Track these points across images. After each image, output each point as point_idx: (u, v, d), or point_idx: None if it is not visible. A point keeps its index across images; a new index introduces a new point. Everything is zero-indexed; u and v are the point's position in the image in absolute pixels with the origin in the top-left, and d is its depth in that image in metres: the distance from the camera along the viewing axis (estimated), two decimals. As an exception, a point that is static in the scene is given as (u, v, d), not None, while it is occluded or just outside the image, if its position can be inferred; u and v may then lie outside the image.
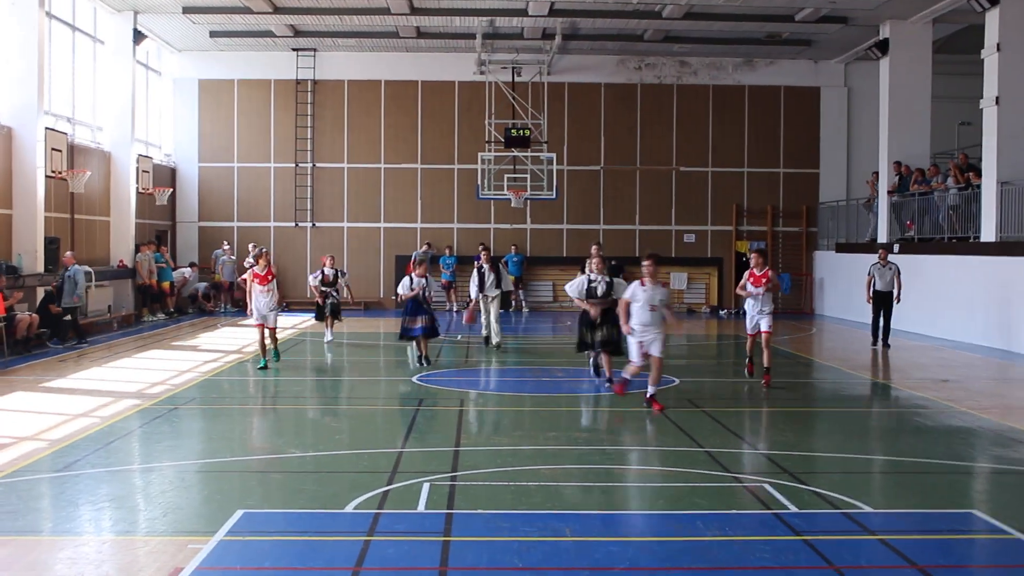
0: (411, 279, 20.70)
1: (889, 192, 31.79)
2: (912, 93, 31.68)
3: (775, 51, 36.39)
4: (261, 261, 20.15)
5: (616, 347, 17.19)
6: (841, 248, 35.13)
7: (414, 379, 18.82)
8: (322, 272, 25.01)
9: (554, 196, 35.20)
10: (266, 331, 20.18)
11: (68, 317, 23.95)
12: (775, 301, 19.22)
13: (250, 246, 18.62)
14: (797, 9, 30.60)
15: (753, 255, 18.17)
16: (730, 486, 10.98)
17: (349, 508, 9.85)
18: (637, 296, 15.29)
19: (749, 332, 18.07)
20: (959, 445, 13.84)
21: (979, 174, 26.78)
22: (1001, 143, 25.51)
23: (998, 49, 25.62)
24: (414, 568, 8.19)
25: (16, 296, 22.75)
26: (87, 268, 25.33)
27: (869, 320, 24.63)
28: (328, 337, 24.74)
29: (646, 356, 15.47)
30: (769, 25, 32.81)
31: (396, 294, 22.28)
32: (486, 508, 9.91)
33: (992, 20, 25.79)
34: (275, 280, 20.50)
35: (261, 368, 19.66)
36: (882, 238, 31.70)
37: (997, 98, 25.66)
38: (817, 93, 38.02)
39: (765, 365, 17.60)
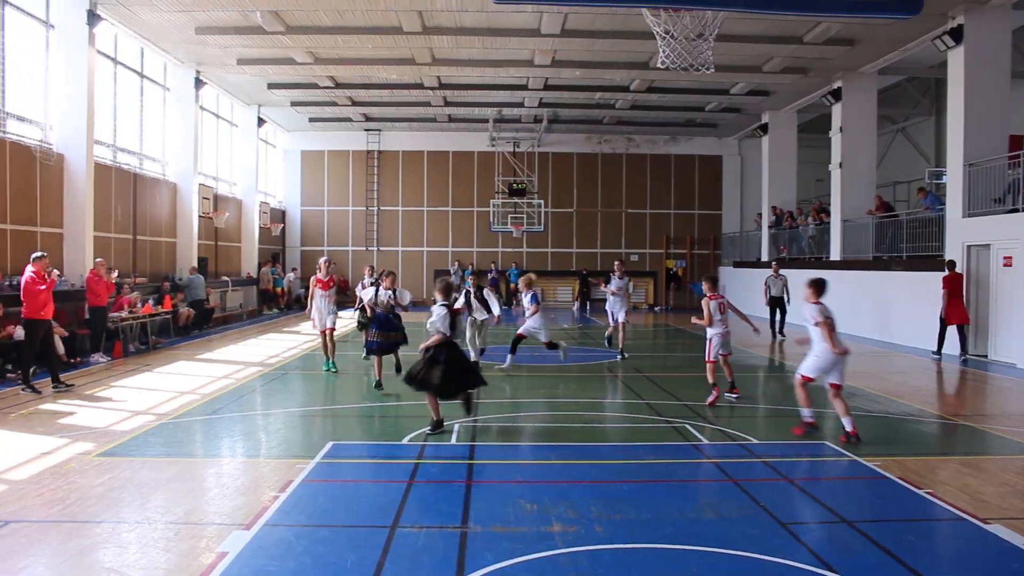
0: (375, 289, 13.94)
1: (769, 226, 31.85)
2: (784, 159, 31.76)
3: (692, 131, 36.35)
4: (324, 268, 16.05)
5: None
6: (737, 264, 35.16)
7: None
8: (376, 293, 13.90)
9: (541, 229, 35.48)
10: (327, 335, 15.61)
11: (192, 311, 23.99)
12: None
13: (321, 261, 16.41)
14: (707, 103, 30.73)
15: (705, 283, 12.75)
16: (661, 426, 11.03)
17: (405, 440, 9.91)
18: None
19: (720, 354, 12.54)
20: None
21: (828, 214, 26.87)
22: (843, 193, 25.61)
23: (841, 130, 25.70)
24: (450, 481, 8.24)
25: (179, 297, 22.83)
26: (201, 277, 25.11)
27: (759, 315, 24.37)
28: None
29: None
30: (688, 114, 32.87)
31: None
32: (497, 441, 9.97)
33: (836, 111, 25.85)
34: (335, 287, 16.16)
35: (327, 370, 15.47)
36: (764, 257, 31.75)
37: (840, 163, 25.74)
38: (720, 159, 37.97)
39: (730, 380, 12.92)
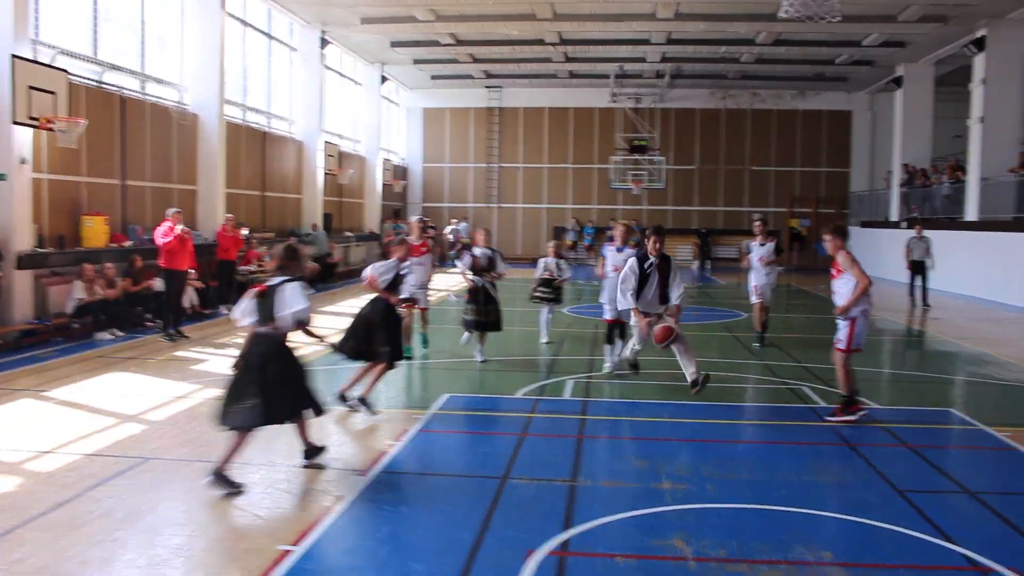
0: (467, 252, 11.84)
1: (900, 185, 30.52)
2: (919, 114, 30.31)
3: (820, 85, 35.02)
4: (416, 231, 12.86)
5: None
6: (865, 224, 33.89)
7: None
8: (472, 255, 11.96)
9: (663, 186, 34.97)
10: (415, 312, 12.33)
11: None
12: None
13: (413, 220, 13.76)
14: (836, 56, 29.53)
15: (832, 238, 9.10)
16: (778, 387, 10.84)
17: (519, 395, 10.03)
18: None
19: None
20: (943, 361, 13.37)
21: (964, 172, 25.54)
22: (984, 150, 24.29)
23: (984, 83, 24.31)
24: (561, 436, 8.32)
25: (306, 250, 23.57)
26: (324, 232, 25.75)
27: (898, 279, 23.18)
28: (479, 356, 11.95)
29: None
30: (816, 67, 31.72)
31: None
32: (610, 398, 9.98)
33: (979, 62, 24.42)
34: (431, 255, 12.98)
35: (407, 357, 11.04)
36: (894, 217, 30.51)
37: (982, 118, 24.39)
38: (849, 115, 36.51)
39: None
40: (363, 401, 8.88)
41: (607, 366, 11.32)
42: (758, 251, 14.22)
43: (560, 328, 15.18)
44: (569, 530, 5.75)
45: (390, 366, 9.07)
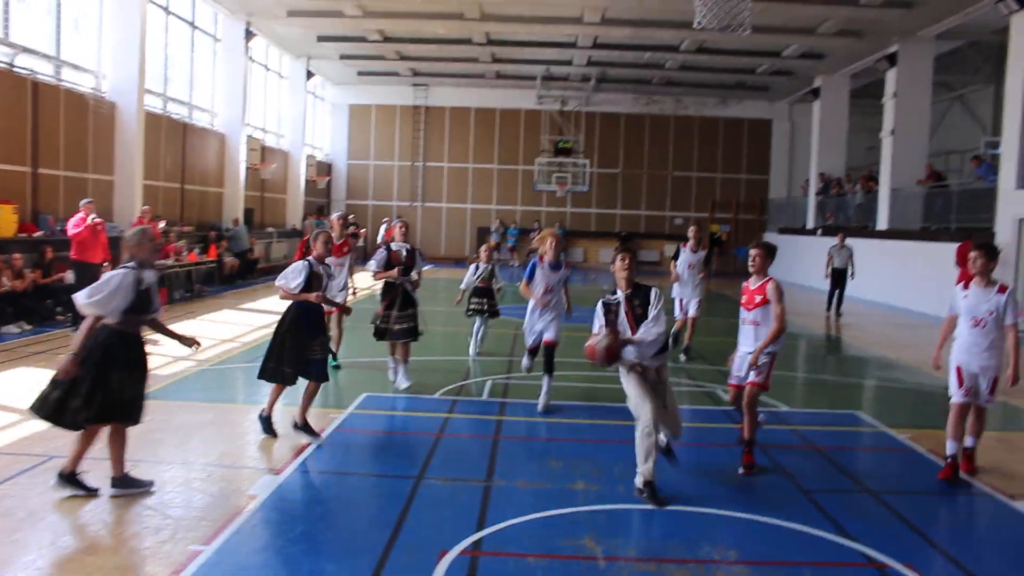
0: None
1: (816, 193, 31.39)
2: (834, 125, 31.20)
3: (742, 94, 35.83)
4: (337, 227, 11.47)
5: None
6: (783, 230, 34.72)
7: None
8: (388, 250, 10.28)
9: (586, 189, 35.30)
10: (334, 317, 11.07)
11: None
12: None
13: (333, 217, 12.16)
14: (758, 66, 30.27)
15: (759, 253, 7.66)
16: (693, 390, 11.06)
17: (437, 395, 10.04)
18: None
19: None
20: (851, 366, 13.81)
21: (877, 182, 26.40)
22: (894, 162, 25.14)
23: (895, 97, 25.16)
24: (478, 436, 8.37)
25: (224, 246, 23.18)
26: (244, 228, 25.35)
27: (804, 283, 23.87)
28: (402, 382, 10.24)
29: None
30: (738, 76, 32.45)
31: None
32: (526, 399, 10.05)
33: (891, 77, 25.29)
34: (352, 255, 11.59)
35: (335, 367, 11.08)
36: (810, 225, 31.37)
37: (893, 131, 25.24)
38: (770, 123, 37.43)
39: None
40: (303, 428, 7.83)
41: None
42: (689, 257, 13.05)
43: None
44: (482, 530, 5.80)
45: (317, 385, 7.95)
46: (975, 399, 7.39)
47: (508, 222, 36.98)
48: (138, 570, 5.05)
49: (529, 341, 9.56)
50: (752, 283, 7.58)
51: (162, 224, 18.94)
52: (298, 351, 7.74)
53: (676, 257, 13.20)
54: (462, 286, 12.84)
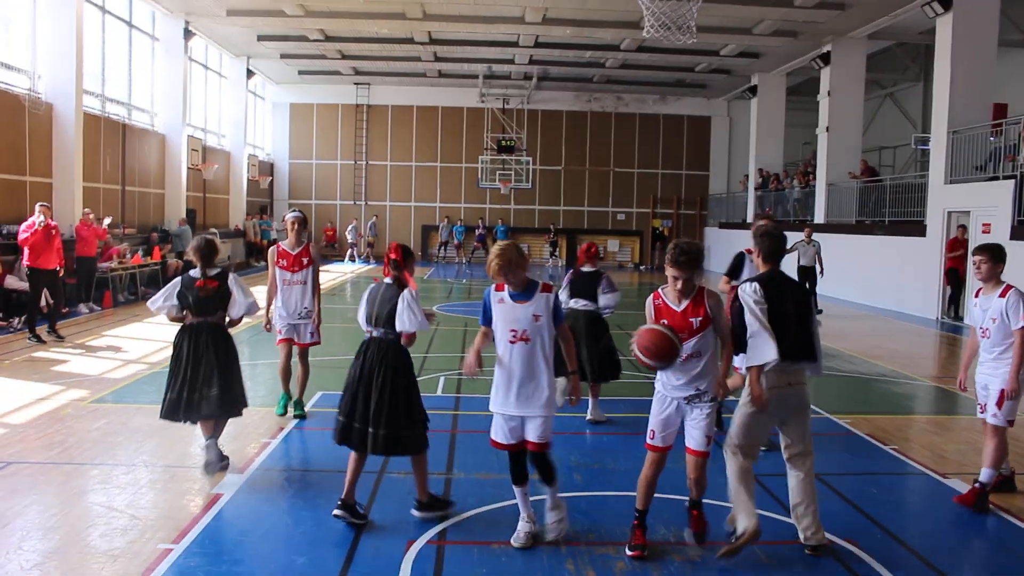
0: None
1: (755, 188, 32.09)
2: (772, 122, 31.97)
3: (681, 91, 36.47)
4: (291, 231, 8.64)
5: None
6: (723, 225, 35.48)
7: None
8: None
9: (530, 186, 35.60)
10: (294, 350, 8.88)
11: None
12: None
13: (287, 218, 8.77)
14: (696, 64, 30.82)
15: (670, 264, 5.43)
16: (640, 382, 11.34)
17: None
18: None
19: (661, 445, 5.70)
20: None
21: (814, 177, 27.13)
22: (829, 157, 25.87)
23: (829, 94, 25.88)
24: (435, 431, 8.49)
25: (167, 248, 22.96)
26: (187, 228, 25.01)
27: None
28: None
29: None
30: (677, 74, 32.99)
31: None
32: (481, 393, 10.23)
33: (825, 75, 26.01)
34: (315, 268, 8.82)
35: (281, 414, 8.82)
36: (749, 219, 32.03)
37: (827, 127, 25.96)
38: (709, 120, 38.11)
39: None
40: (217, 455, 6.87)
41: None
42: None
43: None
44: (446, 521, 5.99)
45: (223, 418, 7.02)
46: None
47: (455, 219, 37.11)
48: (110, 569, 5.13)
49: (496, 434, 5.75)
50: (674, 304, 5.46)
51: (107, 220, 18.71)
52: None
53: (735, 273, 8.19)
54: None
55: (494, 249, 5.52)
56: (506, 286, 5.58)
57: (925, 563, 5.52)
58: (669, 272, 5.39)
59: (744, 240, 27.11)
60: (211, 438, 6.83)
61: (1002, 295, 6.47)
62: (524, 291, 5.53)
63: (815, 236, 20.29)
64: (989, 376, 6.59)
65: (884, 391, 11.38)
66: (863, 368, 12.84)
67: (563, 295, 8.83)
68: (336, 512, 5.85)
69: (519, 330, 5.50)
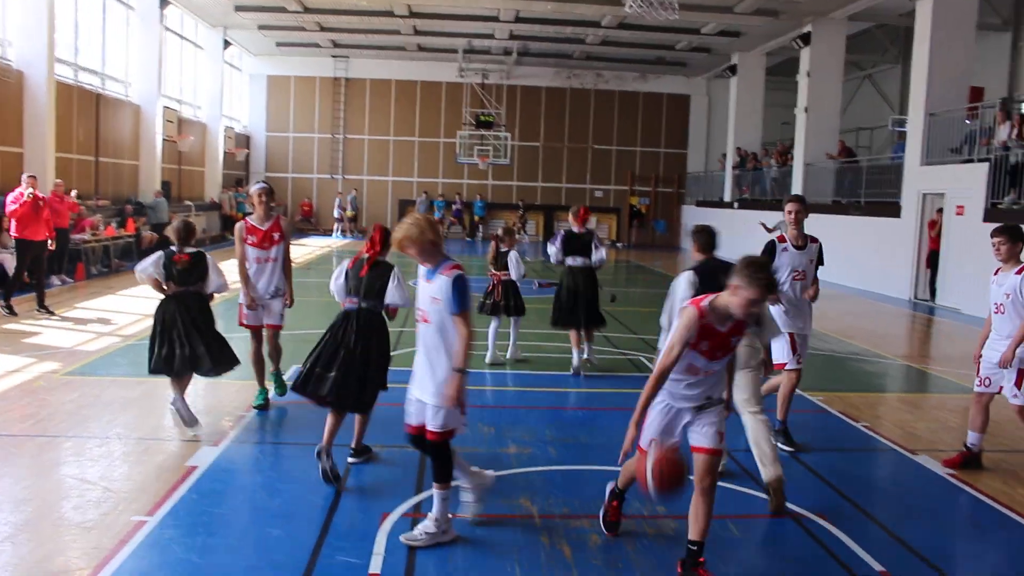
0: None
1: (733, 167, 32.19)
2: (751, 101, 32.01)
3: (661, 69, 36.40)
4: (258, 204, 7.91)
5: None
6: (700, 203, 35.60)
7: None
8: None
9: (508, 162, 35.48)
10: (264, 334, 8.40)
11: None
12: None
13: (253, 190, 8.02)
14: (677, 42, 30.76)
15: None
16: (617, 358, 11.41)
17: (368, 366, 10.15)
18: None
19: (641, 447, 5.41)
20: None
21: (791, 157, 27.24)
22: (807, 137, 25.97)
23: (808, 75, 25.95)
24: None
25: (141, 220, 22.75)
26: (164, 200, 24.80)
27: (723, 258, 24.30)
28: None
29: None
30: (657, 52, 32.92)
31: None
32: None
33: (805, 55, 26.06)
34: (286, 244, 8.13)
35: (258, 406, 8.16)
36: (727, 198, 32.19)
37: (806, 107, 26.05)
38: (688, 98, 38.14)
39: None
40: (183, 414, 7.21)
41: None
42: (793, 259, 8.20)
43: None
44: (421, 493, 6.03)
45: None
46: (991, 390, 6.81)
47: (435, 194, 36.97)
48: (83, 541, 5.12)
49: (411, 415, 5.54)
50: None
51: (73, 193, 18.49)
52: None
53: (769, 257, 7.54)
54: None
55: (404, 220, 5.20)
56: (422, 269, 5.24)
57: (893, 537, 5.61)
58: (753, 297, 4.49)
59: (722, 217, 27.16)
60: (182, 397, 7.26)
61: (1019, 272, 6.52)
62: (433, 270, 5.16)
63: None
64: (1000, 352, 6.65)
65: (856, 369, 11.51)
66: (837, 347, 12.98)
67: (554, 250, 10.29)
68: (351, 459, 6.66)
69: (423, 310, 5.19)
